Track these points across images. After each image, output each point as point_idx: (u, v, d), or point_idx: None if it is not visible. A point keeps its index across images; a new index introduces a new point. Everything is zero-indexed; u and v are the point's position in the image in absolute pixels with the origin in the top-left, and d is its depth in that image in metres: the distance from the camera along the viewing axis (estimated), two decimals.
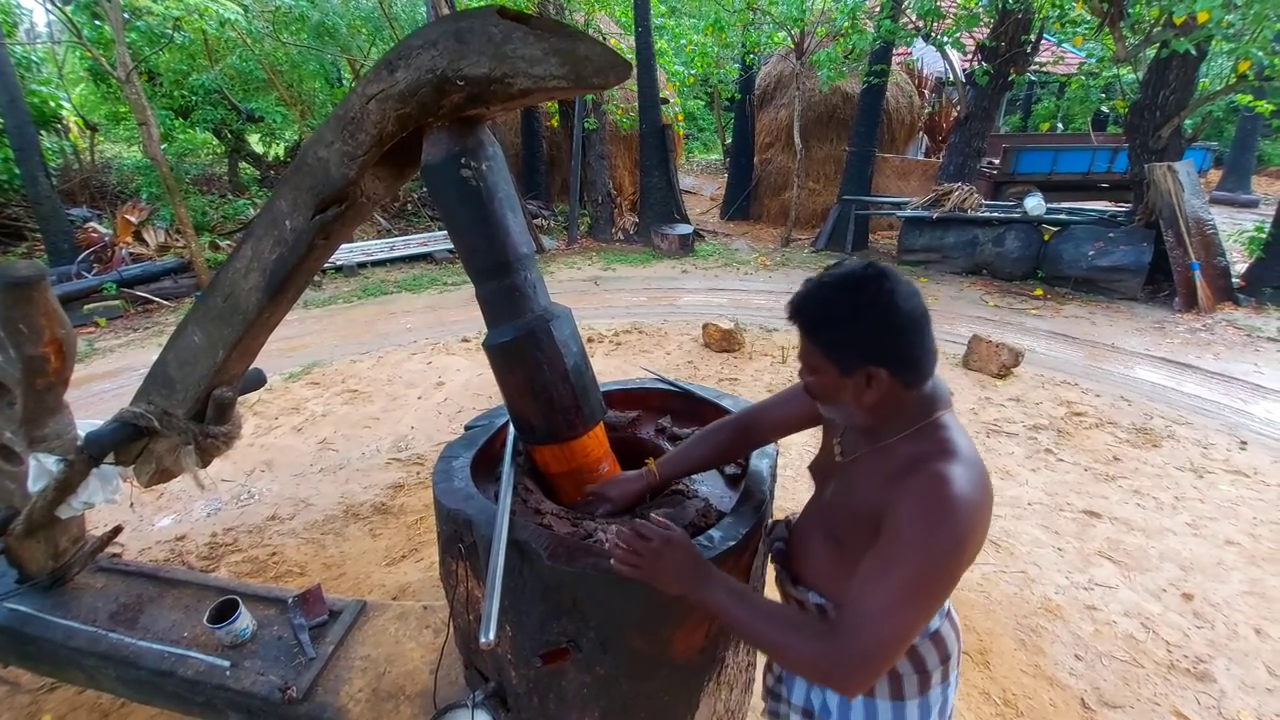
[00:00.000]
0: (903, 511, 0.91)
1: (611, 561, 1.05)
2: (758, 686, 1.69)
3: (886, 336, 0.95)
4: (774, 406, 1.36)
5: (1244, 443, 3.97)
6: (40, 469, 1.71)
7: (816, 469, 1.26)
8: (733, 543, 1.17)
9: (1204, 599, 2.69)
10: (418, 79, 1.16)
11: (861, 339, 0.96)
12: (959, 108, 9.25)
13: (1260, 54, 5.80)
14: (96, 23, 8.80)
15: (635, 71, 9.07)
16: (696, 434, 1.42)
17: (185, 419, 1.63)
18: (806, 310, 0.99)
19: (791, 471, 3.59)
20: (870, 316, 0.95)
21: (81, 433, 1.78)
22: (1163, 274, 6.69)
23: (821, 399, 1.06)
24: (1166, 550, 2.99)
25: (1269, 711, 2.18)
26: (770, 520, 1.39)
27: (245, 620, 1.79)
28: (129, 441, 1.64)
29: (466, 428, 1.64)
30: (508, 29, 1.09)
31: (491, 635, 0.96)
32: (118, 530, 2.06)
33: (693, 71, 11.03)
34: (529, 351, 1.29)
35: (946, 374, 4.92)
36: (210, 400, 1.63)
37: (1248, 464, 3.73)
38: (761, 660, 1.60)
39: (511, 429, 1.52)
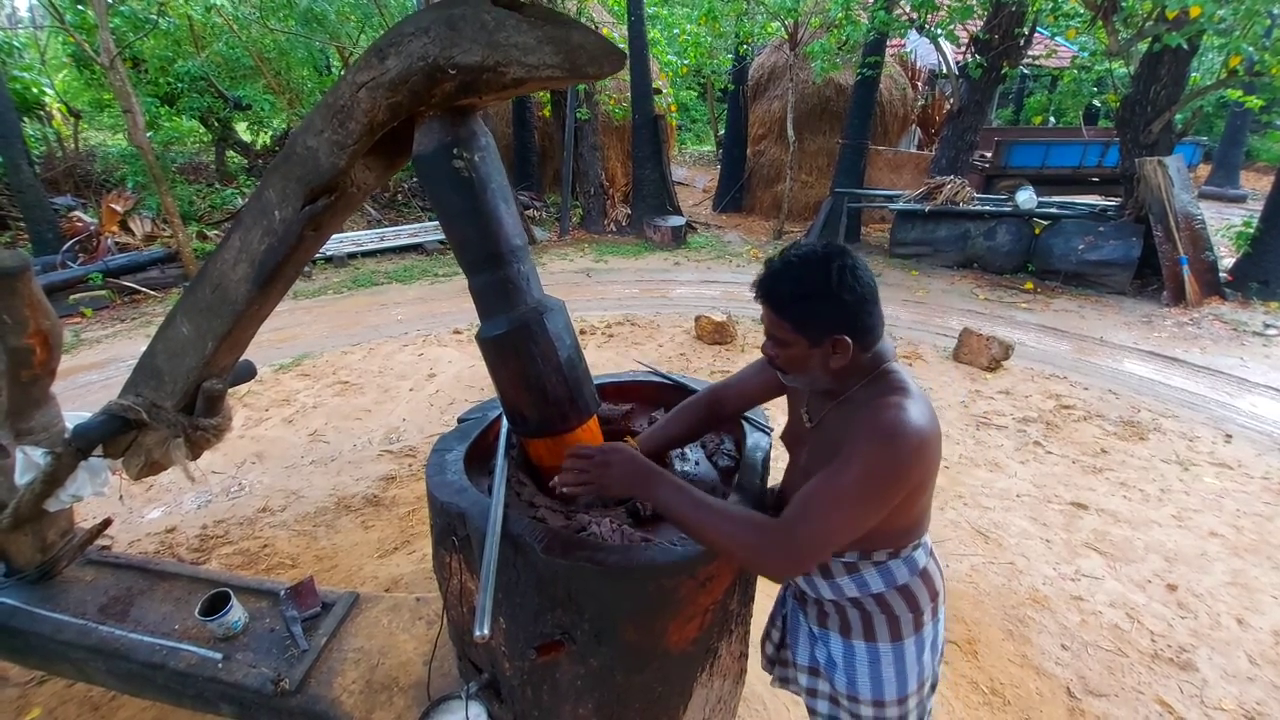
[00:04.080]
0: (858, 433, 1.02)
1: (561, 490, 1.13)
2: (749, 676, 1.70)
3: (850, 308, 1.06)
4: (737, 383, 1.45)
5: (1229, 436, 4.03)
6: (27, 462, 1.68)
7: (789, 438, 1.36)
8: None
9: (1188, 589, 2.73)
10: (409, 67, 1.14)
11: (829, 312, 1.06)
12: (951, 101, 9.26)
13: (1250, 49, 5.83)
14: (79, 7, 8.64)
15: (628, 61, 9.00)
16: (670, 412, 1.48)
17: (174, 411, 1.61)
18: (777, 289, 1.08)
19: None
20: (835, 291, 1.04)
21: (69, 425, 1.76)
22: (1151, 269, 6.74)
23: (789, 369, 1.15)
24: (1151, 542, 3.03)
25: (1250, 700, 2.22)
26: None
27: (237, 613, 1.78)
28: (117, 434, 1.62)
29: (460, 420, 1.63)
30: (501, 16, 1.08)
31: (486, 629, 0.96)
32: (107, 523, 2.05)
33: (686, 62, 10.97)
34: (522, 344, 1.28)
35: (937, 367, 4.96)
36: (200, 392, 1.61)
37: (1232, 457, 3.78)
38: (755, 651, 1.61)
39: (505, 422, 1.51)
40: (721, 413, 1.46)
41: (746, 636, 1.58)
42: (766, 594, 1.60)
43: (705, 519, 1.04)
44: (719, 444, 1.60)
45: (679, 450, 1.57)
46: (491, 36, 1.08)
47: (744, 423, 1.57)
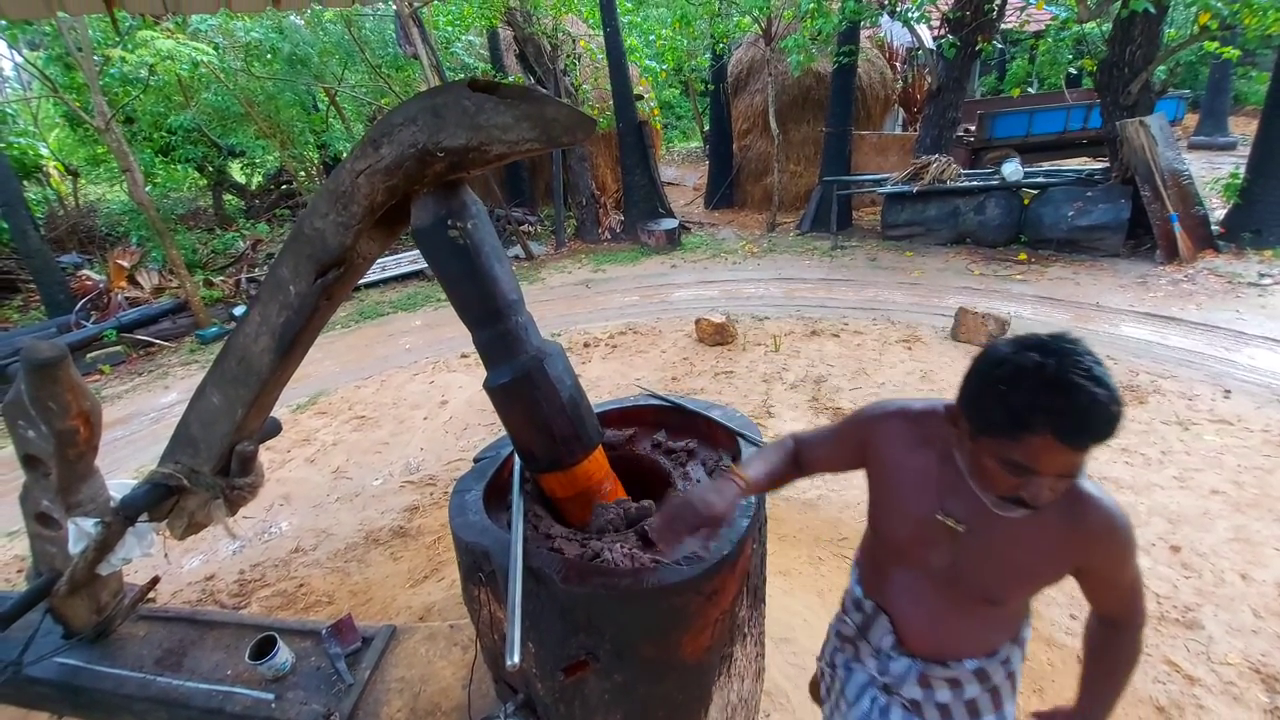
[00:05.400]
0: (1108, 547, 1.09)
1: None
2: (772, 672, 1.81)
3: None
4: (818, 445, 1.33)
5: (1227, 391, 4.08)
6: (79, 532, 1.81)
7: (904, 537, 1.19)
8: (726, 551, 1.28)
9: (1191, 549, 2.81)
10: (401, 153, 1.26)
11: None
12: (930, 78, 9.30)
13: (1219, 5, 5.86)
14: (68, 68, 8.86)
15: (608, 70, 9.11)
16: (761, 457, 1.32)
17: (211, 475, 1.74)
18: (1107, 426, 0.90)
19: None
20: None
21: (114, 494, 1.89)
22: (1143, 228, 6.78)
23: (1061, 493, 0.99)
24: (1155, 505, 3.11)
25: (1254, 652, 2.30)
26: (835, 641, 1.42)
27: (284, 654, 1.91)
28: (161, 501, 1.75)
29: (475, 460, 1.75)
30: (479, 101, 1.19)
31: (517, 658, 1.07)
32: (155, 581, 2.18)
33: (665, 66, 11.06)
34: (527, 390, 1.39)
35: (937, 349, 5.03)
36: (233, 454, 1.74)
37: (1231, 412, 3.84)
38: (773, 649, 1.72)
39: (517, 459, 1.62)
40: (801, 471, 1.34)
41: (761, 638, 1.69)
42: (776, 601, 1.71)
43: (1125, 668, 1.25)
44: (718, 460, 1.70)
45: (682, 469, 1.68)
46: (473, 120, 1.20)
47: (740, 439, 1.67)
